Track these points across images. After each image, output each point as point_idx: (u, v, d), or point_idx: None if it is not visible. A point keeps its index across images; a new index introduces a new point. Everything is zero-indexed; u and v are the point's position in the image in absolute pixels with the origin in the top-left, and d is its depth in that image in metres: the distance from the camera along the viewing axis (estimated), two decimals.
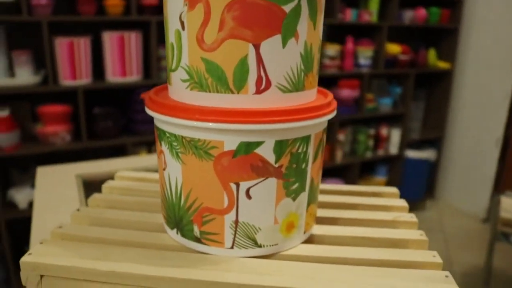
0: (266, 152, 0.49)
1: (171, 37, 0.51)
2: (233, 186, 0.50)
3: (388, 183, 3.16)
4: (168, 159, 0.53)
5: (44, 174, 1.17)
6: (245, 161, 0.49)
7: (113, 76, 2.17)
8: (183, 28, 0.49)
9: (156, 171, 1.25)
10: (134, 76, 2.21)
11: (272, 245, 0.54)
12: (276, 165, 0.50)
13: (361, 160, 2.90)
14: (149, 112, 0.52)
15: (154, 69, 2.23)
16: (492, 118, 2.95)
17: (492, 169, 2.99)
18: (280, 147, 0.49)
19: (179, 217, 0.54)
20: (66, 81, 2.06)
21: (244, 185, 0.50)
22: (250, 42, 0.47)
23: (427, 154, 3.12)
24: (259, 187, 0.50)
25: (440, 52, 3.13)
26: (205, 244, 0.53)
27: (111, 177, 1.21)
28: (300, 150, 0.51)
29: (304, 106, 0.50)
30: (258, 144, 0.48)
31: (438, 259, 0.55)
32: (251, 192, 0.50)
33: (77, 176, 1.16)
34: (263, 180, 0.50)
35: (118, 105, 2.30)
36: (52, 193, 1.04)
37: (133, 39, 2.17)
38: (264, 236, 0.53)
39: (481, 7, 2.92)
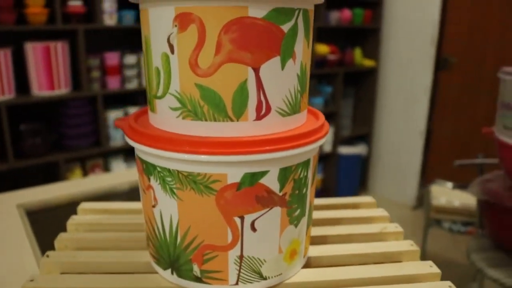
0: (271, 181, 0.46)
1: (155, 61, 0.46)
2: (237, 220, 0.46)
3: (325, 180, 3.24)
4: (159, 195, 0.48)
5: None
6: (250, 192, 0.45)
7: (39, 89, 2.02)
8: (172, 51, 0.44)
9: (115, 195, 1.17)
10: (62, 89, 2.07)
11: (277, 276, 0.51)
12: (281, 194, 0.47)
13: None
14: (134, 144, 0.47)
15: (84, 80, 2.10)
16: (415, 111, 3.12)
17: (418, 159, 3.16)
18: (284, 174, 0.47)
19: (175, 257, 0.49)
20: None
21: (248, 218, 0.47)
22: (249, 65, 0.44)
23: (358, 149, 3.24)
24: (264, 218, 0.47)
25: (365, 51, 3.25)
26: (207, 283, 0.49)
27: (56, 204, 1.12)
28: (301, 175, 0.49)
29: (305, 130, 0.48)
30: (263, 174, 0.45)
31: (435, 269, 0.56)
32: (256, 224, 0.47)
33: (18, 207, 1.05)
34: (268, 210, 0.47)
35: (46, 120, 2.13)
36: None
37: (60, 49, 2.02)
38: (269, 268, 0.50)
39: (400, 7, 3.08)
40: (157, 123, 0.49)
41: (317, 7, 2.76)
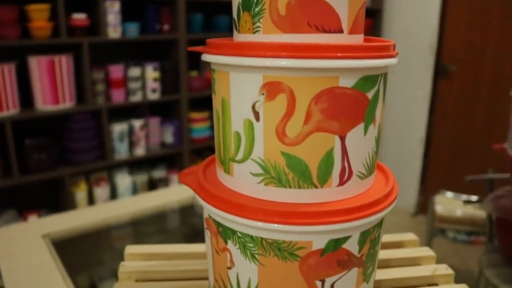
0: (352, 245, 0.46)
1: (235, 125, 0.46)
2: (318, 284, 0.46)
3: None
4: (237, 259, 0.47)
5: (4, 238, 1.03)
6: (333, 257, 0.45)
7: (43, 104, 1.99)
8: (257, 119, 0.44)
9: (141, 221, 1.16)
10: (67, 103, 2.04)
11: None
12: (359, 255, 0.47)
13: None
14: (211, 208, 0.47)
15: (88, 93, 2.08)
16: (414, 118, 3.15)
17: (418, 166, 3.19)
18: (363, 237, 0.47)
19: None
20: None
21: (329, 281, 0.46)
22: (336, 134, 0.44)
23: None
24: (343, 279, 0.47)
25: None
26: None
27: (82, 233, 1.10)
28: (376, 235, 0.49)
29: (382, 193, 0.48)
30: (346, 239, 0.45)
31: None
32: (335, 286, 0.47)
33: (44, 237, 1.03)
34: (347, 272, 0.47)
35: (51, 135, 2.10)
36: (22, 265, 0.91)
37: (64, 63, 2.00)
38: None
39: (399, 16, 3.11)
40: (233, 186, 0.49)
41: None
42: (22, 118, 1.95)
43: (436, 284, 0.66)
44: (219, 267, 0.51)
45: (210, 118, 2.49)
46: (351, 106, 0.43)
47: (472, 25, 2.82)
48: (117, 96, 2.19)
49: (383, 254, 0.71)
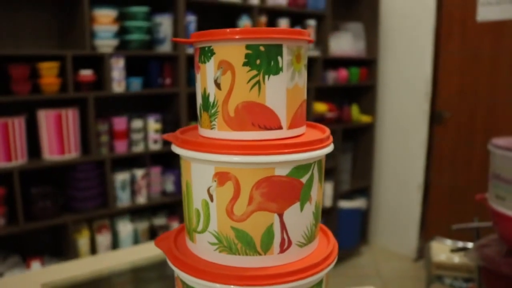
0: None
1: (196, 203, 0.56)
2: None
3: None
4: None
5: (5, 287, 1.11)
6: None
7: (50, 154, 2.11)
8: (211, 200, 0.54)
9: (142, 269, 1.24)
10: (72, 153, 2.16)
11: None
12: None
13: None
14: (179, 272, 0.56)
15: (93, 144, 2.20)
16: (412, 165, 3.22)
17: (417, 211, 3.24)
18: None
19: None
20: None
21: None
22: (275, 212, 0.53)
23: (358, 203, 3.31)
24: None
25: (362, 107, 3.40)
26: None
27: (82, 282, 1.18)
28: None
29: (319, 259, 0.57)
30: None
31: None
32: None
33: (44, 287, 1.12)
34: None
35: (56, 183, 2.21)
36: None
37: (71, 116, 2.13)
38: None
39: (393, 65, 3.25)
40: (196, 251, 0.59)
41: (315, 68, 2.91)
42: (30, 168, 2.06)
43: None
44: None
45: None
46: (286, 190, 0.53)
47: (464, 73, 2.93)
48: (120, 147, 2.31)
49: None
